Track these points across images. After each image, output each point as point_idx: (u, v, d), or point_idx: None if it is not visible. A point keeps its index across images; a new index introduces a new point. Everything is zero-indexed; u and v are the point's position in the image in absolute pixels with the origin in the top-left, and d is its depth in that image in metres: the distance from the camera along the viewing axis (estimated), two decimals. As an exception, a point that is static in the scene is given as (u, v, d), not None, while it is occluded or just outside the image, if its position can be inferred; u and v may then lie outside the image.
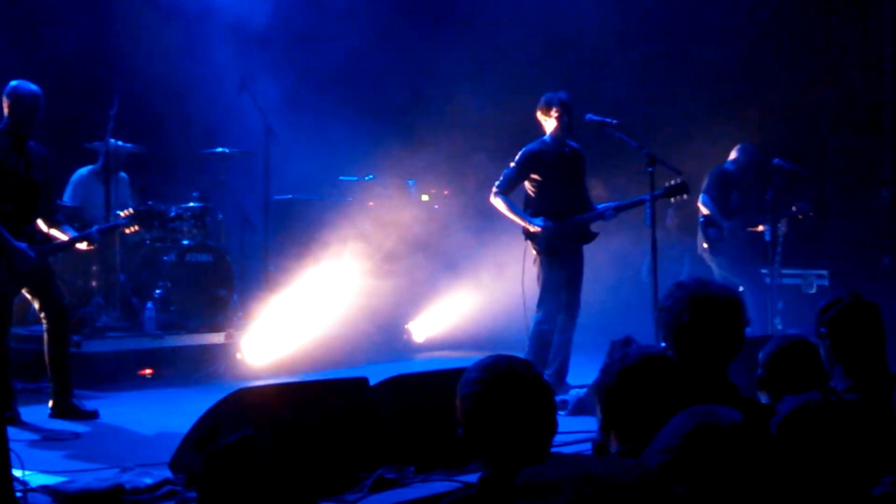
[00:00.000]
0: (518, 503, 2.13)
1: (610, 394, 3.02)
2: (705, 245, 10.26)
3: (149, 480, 5.06)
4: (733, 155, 10.39)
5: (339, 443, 5.26)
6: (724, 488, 2.31)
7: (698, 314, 3.64)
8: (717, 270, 10.22)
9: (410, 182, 11.63)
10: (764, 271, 10.43)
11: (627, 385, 2.99)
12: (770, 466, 2.38)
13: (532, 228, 8.08)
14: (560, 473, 2.16)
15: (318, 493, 5.08)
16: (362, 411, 5.45)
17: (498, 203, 8.17)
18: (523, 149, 8.23)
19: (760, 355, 4.27)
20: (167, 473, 5.13)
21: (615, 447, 2.99)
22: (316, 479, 5.13)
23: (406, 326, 11.26)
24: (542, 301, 8.12)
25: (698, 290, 3.70)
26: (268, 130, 10.01)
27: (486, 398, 2.91)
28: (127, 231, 8.44)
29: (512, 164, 8.22)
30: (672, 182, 8.09)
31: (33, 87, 7.11)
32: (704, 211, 10.16)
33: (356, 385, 5.58)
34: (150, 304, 9.34)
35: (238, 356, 9.36)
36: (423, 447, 5.45)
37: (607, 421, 3.02)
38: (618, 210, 8.39)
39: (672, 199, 8.22)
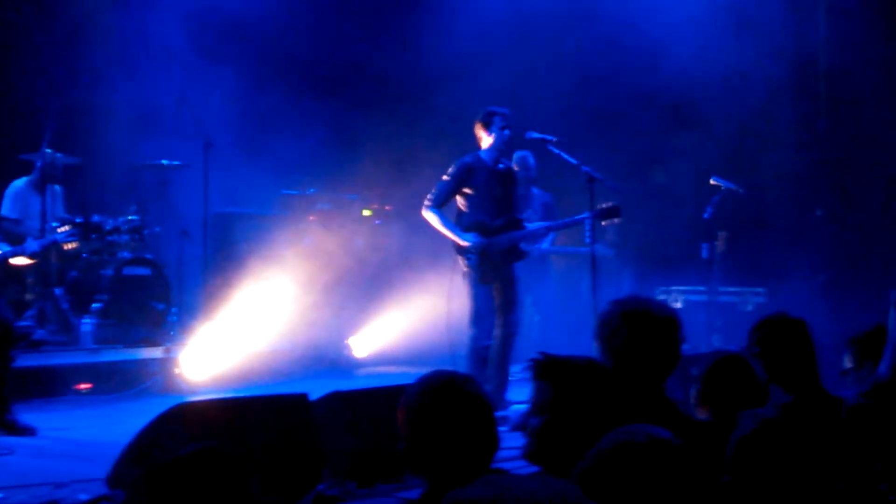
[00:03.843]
0: None
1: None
2: None
3: (84, 497, 5.01)
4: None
5: (279, 459, 5.24)
6: None
7: (635, 330, 3.69)
8: None
9: (352, 196, 11.62)
10: (701, 288, 10.53)
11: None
12: (705, 483, 2.41)
13: (462, 243, 8.05)
14: (486, 493, 2.18)
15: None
16: (302, 427, 5.44)
17: (430, 217, 8.12)
18: (457, 161, 8.21)
19: (695, 371, 4.32)
20: (104, 489, 5.08)
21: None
22: (256, 496, 5.10)
23: (346, 342, 11.22)
24: (475, 318, 8.07)
25: (635, 306, 3.75)
26: (207, 143, 9.92)
27: (427, 412, 2.93)
28: (65, 247, 8.34)
29: (445, 177, 8.19)
30: (604, 205, 8.11)
31: None
32: None
33: (296, 401, 5.56)
34: (87, 318, 9.23)
35: (176, 371, 9.27)
36: (364, 462, 5.45)
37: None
38: (549, 229, 8.41)
39: (603, 223, 8.23)
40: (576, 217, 8.21)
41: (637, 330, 3.68)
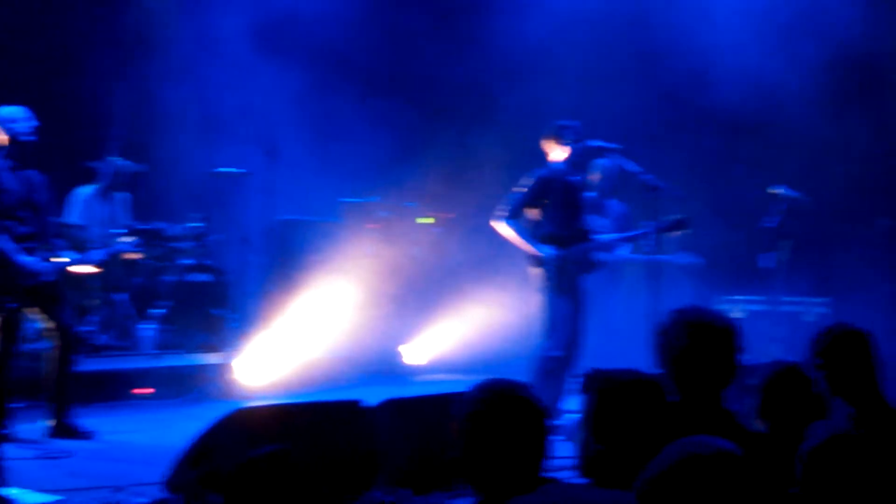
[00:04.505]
0: None
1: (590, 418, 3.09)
2: None
3: (143, 500, 5.06)
4: None
5: (334, 464, 5.25)
6: None
7: (694, 340, 3.66)
8: None
9: (411, 204, 11.63)
10: (763, 298, 10.40)
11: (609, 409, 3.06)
12: (772, 495, 2.36)
13: (539, 254, 8.03)
14: (547, 502, 2.15)
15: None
16: (356, 433, 5.45)
17: (503, 228, 8.10)
18: (536, 174, 8.17)
19: (755, 382, 4.26)
20: (162, 493, 5.12)
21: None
22: (312, 500, 5.11)
23: (400, 349, 11.21)
24: (553, 330, 8.03)
25: (696, 316, 3.72)
26: (271, 150, 9.99)
27: (481, 420, 2.90)
28: (128, 256, 8.42)
29: (522, 189, 8.17)
30: (673, 217, 8.05)
31: (26, 111, 7.19)
32: None
33: (349, 407, 5.58)
34: (148, 324, 9.33)
35: (234, 376, 9.33)
36: (419, 469, 5.44)
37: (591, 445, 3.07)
38: (621, 241, 8.39)
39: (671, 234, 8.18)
40: (644, 230, 8.17)
41: (696, 339, 3.66)
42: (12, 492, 4.84)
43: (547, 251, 8.01)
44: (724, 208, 11.69)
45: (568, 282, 8.07)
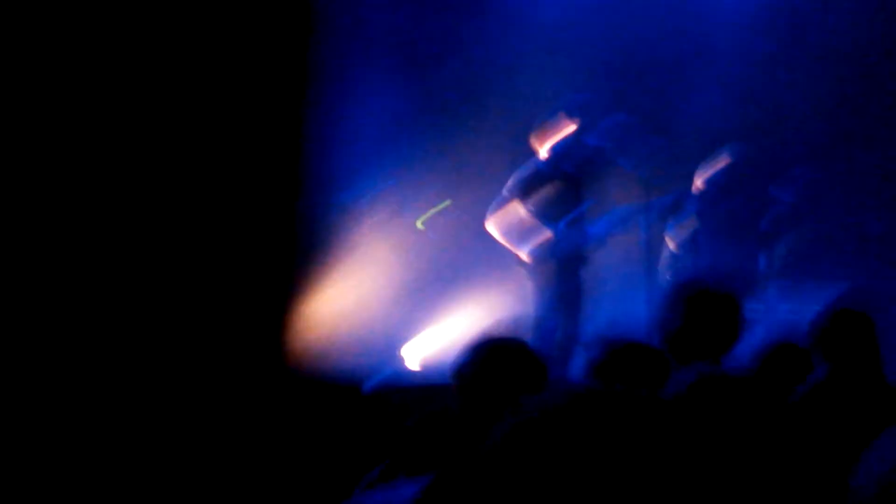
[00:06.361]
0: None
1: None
2: None
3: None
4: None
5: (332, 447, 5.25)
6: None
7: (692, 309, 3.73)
8: None
9: (411, 205, 11.60)
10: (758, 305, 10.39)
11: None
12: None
13: (530, 252, 8.03)
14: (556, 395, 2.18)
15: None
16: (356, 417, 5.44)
17: (493, 228, 8.13)
18: (520, 170, 8.21)
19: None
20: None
21: None
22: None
23: (401, 352, 11.18)
24: (537, 320, 8.06)
25: (694, 284, 3.81)
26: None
27: (480, 370, 2.93)
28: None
29: (506, 189, 8.19)
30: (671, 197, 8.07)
31: None
32: None
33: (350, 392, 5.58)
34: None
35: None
36: (417, 455, 5.43)
37: None
38: (610, 234, 8.43)
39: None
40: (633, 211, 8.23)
41: (694, 308, 3.73)
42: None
43: (540, 246, 8.02)
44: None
45: (560, 277, 8.07)
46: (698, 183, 9.59)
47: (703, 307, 3.74)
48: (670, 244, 10.21)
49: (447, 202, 11.50)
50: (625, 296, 11.30)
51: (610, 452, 2.10)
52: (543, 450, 2.09)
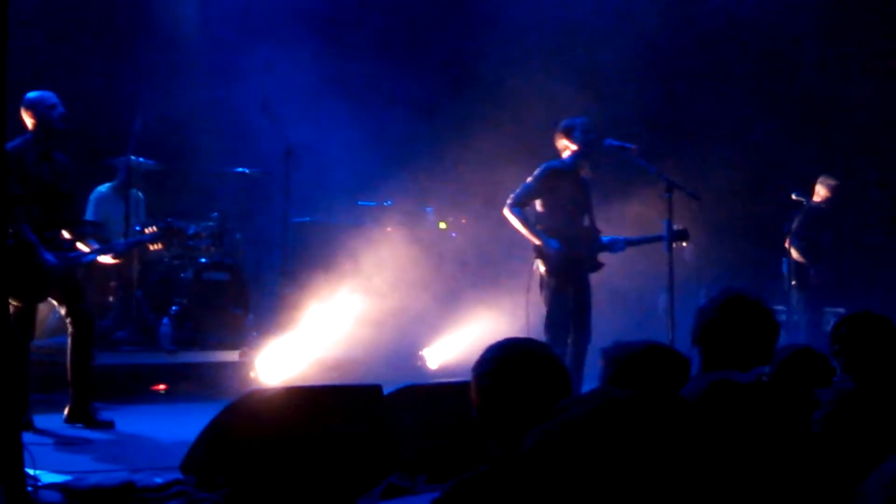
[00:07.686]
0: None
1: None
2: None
3: (159, 480, 5.06)
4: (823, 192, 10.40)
5: (350, 449, 5.24)
6: None
7: (727, 312, 3.82)
8: None
9: (428, 209, 11.64)
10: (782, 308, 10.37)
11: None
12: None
13: (540, 243, 8.01)
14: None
15: (327, 499, 5.07)
16: (375, 419, 5.44)
17: (511, 216, 8.12)
18: (544, 164, 8.20)
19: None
20: (178, 475, 5.14)
21: None
22: (326, 484, 5.12)
23: (420, 353, 11.19)
24: (551, 324, 8.03)
25: (729, 291, 3.86)
26: (288, 151, 9.99)
27: (502, 375, 2.91)
28: (150, 248, 8.44)
29: (530, 179, 8.19)
30: (676, 227, 7.99)
31: (54, 97, 7.18)
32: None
33: (369, 392, 5.57)
34: (165, 320, 9.36)
35: (252, 374, 9.33)
36: (436, 457, 5.42)
37: None
38: (628, 244, 8.39)
39: (674, 245, 8.06)
40: (654, 235, 8.17)
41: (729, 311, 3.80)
42: (29, 472, 4.85)
43: (552, 245, 8.00)
44: (745, 214, 11.68)
45: (568, 278, 8.05)
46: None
47: (748, 315, 3.81)
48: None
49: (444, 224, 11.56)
50: (643, 302, 11.34)
51: (649, 459, 2.12)
52: (583, 457, 2.10)
